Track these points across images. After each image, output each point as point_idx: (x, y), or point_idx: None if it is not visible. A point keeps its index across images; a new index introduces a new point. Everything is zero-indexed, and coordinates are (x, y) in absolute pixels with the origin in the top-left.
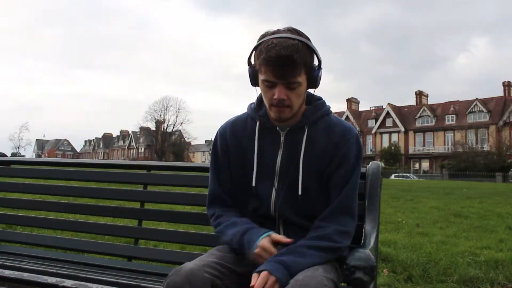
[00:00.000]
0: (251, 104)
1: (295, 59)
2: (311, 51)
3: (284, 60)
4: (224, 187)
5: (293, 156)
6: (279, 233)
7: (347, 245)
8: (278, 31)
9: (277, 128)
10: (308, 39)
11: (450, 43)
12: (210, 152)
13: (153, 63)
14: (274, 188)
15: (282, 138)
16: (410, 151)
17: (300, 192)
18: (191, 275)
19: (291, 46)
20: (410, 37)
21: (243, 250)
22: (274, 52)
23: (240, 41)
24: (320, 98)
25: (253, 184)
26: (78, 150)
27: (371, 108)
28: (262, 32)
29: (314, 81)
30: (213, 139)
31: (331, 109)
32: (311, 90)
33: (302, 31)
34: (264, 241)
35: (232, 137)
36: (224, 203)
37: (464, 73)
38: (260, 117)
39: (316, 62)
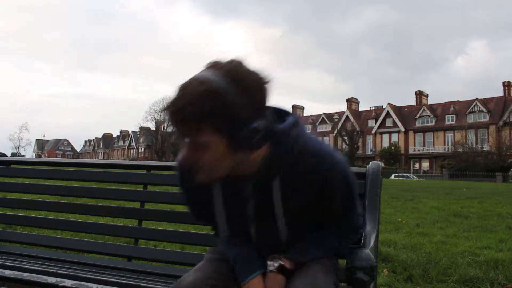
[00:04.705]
0: None
1: (187, 113)
2: (233, 99)
3: (175, 113)
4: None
5: (267, 202)
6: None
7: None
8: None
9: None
10: (245, 79)
11: (449, 46)
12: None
13: (155, 65)
14: (253, 235)
15: (249, 187)
16: (410, 151)
17: (284, 238)
18: None
19: (188, 95)
20: (409, 40)
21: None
22: (170, 102)
23: (242, 44)
24: (283, 122)
25: (226, 234)
26: (78, 150)
27: (371, 108)
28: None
29: (240, 142)
30: None
31: (304, 123)
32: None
33: (247, 64)
34: (250, 284)
35: (191, 183)
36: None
37: (462, 74)
38: None
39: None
